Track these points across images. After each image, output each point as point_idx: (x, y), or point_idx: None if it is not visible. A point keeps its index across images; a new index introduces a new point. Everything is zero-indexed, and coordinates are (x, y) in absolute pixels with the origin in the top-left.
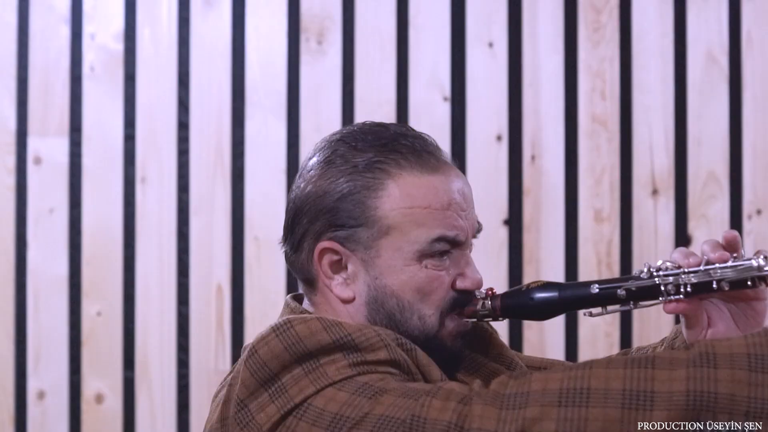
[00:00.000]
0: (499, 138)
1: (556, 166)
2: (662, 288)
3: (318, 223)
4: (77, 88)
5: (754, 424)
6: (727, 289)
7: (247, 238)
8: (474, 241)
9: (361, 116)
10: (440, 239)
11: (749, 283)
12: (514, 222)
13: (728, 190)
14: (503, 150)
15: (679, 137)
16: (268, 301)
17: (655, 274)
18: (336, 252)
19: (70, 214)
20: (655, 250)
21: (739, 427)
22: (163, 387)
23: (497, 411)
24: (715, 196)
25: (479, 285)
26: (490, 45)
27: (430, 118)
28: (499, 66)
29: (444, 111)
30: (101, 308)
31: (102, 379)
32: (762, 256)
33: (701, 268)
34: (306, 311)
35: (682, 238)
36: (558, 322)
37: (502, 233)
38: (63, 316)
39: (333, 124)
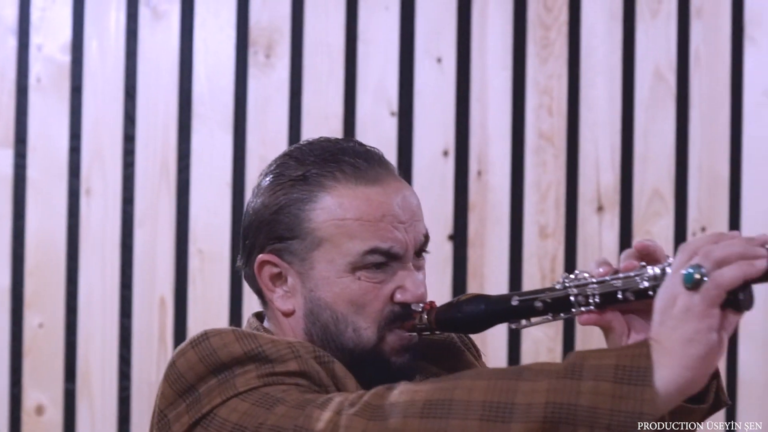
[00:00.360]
0: (445, 153)
1: (502, 181)
2: (572, 299)
3: (260, 236)
4: (23, 99)
5: None
6: (632, 299)
7: (191, 251)
8: (427, 255)
9: (308, 130)
10: (373, 251)
11: (650, 293)
12: (459, 237)
13: (673, 208)
14: (449, 165)
15: (625, 154)
16: (211, 314)
17: (567, 285)
18: (275, 264)
19: (13, 225)
20: None
21: None
22: (104, 399)
23: (365, 422)
24: (660, 213)
25: (419, 298)
26: (439, 60)
27: (377, 133)
28: (447, 81)
29: (391, 125)
30: (43, 320)
31: (43, 390)
32: (667, 264)
33: (606, 278)
34: (262, 327)
35: None
36: (500, 336)
37: (447, 248)
38: (4, 327)
39: (280, 137)
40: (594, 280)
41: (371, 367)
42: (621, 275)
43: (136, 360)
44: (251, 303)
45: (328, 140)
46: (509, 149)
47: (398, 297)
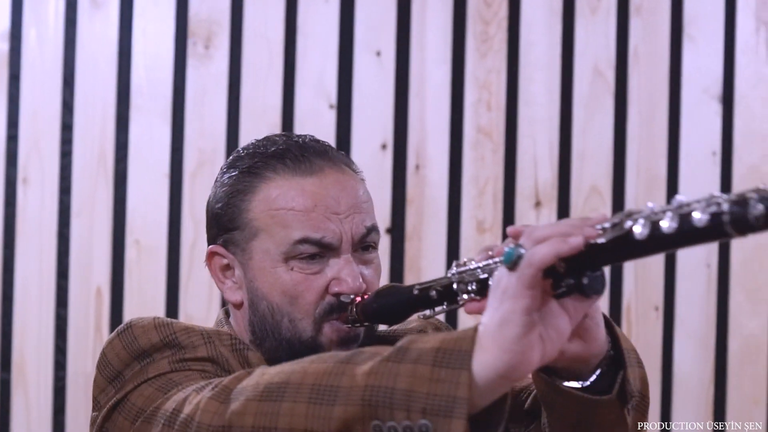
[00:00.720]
0: (384, 147)
1: (440, 175)
2: (455, 287)
3: (212, 228)
4: None
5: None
6: None
7: (127, 242)
8: (367, 244)
9: (246, 122)
10: (304, 240)
11: None
12: (397, 231)
13: (611, 204)
14: (388, 159)
15: (564, 150)
16: (147, 305)
17: (453, 273)
18: (222, 256)
19: None
20: None
21: (414, 425)
22: (39, 389)
23: (217, 405)
24: (597, 209)
25: (355, 290)
26: (378, 54)
27: (315, 125)
28: (386, 75)
29: (330, 118)
30: None
31: None
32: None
33: (490, 263)
34: (226, 322)
35: None
36: None
37: (385, 242)
38: None
39: (218, 129)
40: (480, 265)
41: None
42: (491, 261)
43: (71, 350)
44: (187, 294)
45: (283, 135)
46: (447, 144)
47: (334, 288)
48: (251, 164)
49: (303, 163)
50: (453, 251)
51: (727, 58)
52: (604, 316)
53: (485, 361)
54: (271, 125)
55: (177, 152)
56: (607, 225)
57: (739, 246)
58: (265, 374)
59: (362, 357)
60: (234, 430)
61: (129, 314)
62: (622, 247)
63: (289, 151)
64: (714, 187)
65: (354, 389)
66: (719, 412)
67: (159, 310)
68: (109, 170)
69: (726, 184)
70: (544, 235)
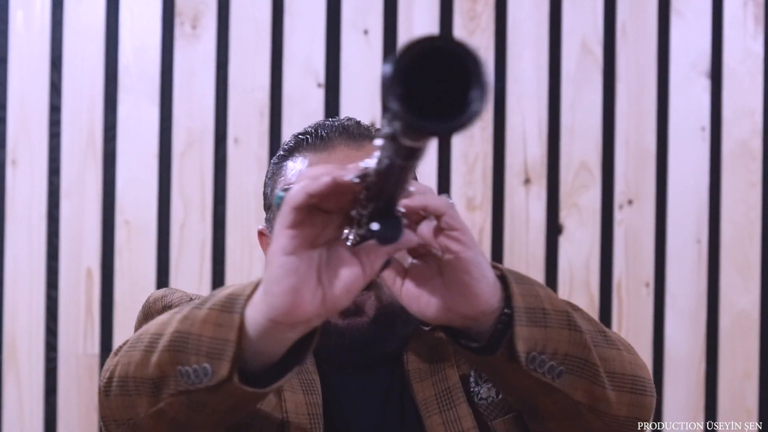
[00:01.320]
0: (373, 125)
1: (428, 153)
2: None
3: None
4: None
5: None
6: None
7: (117, 222)
8: None
9: (234, 102)
10: None
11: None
12: None
13: (600, 180)
14: None
15: (552, 127)
16: (137, 286)
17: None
18: (267, 236)
19: None
20: (526, 239)
21: (200, 369)
22: (30, 370)
23: (113, 358)
24: (586, 185)
25: None
26: (365, 32)
27: (303, 105)
28: (374, 53)
29: (318, 97)
30: None
31: None
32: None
33: None
34: None
35: (553, 226)
36: None
37: None
38: None
39: (206, 109)
40: None
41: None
42: None
43: (62, 331)
44: (178, 273)
45: (328, 119)
46: None
47: None
48: (285, 147)
49: (320, 141)
50: None
51: (715, 33)
52: (509, 273)
53: (255, 305)
54: (260, 105)
55: (165, 132)
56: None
57: (730, 221)
58: (153, 323)
59: (216, 303)
60: (110, 381)
61: (120, 295)
62: (372, 178)
63: (314, 132)
64: (703, 161)
65: (166, 335)
66: (710, 388)
67: (149, 290)
68: (98, 151)
69: (715, 158)
70: (310, 175)
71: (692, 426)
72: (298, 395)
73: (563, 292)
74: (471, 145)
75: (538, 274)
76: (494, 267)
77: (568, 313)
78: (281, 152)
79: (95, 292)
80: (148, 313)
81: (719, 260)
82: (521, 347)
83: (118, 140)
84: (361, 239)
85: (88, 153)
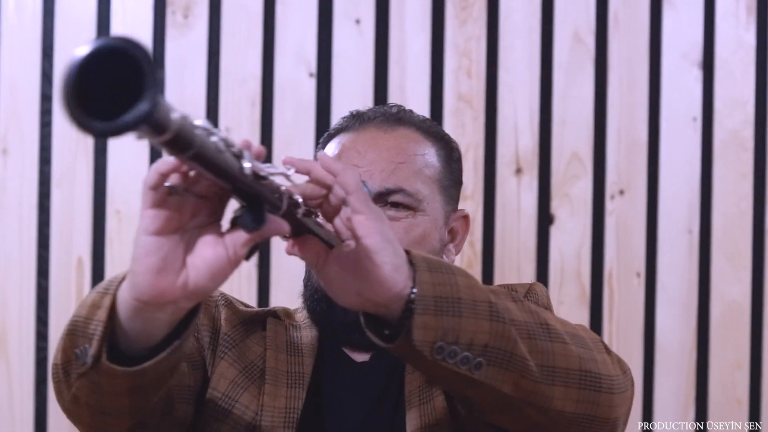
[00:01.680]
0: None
1: None
2: None
3: None
4: None
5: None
6: None
7: (108, 212)
8: (394, 202)
9: (226, 92)
10: None
11: None
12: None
13: (591, 171)
14: None
15: (544, 117)
16: None
17: None
18: None
19: None
20: (517, 229)
21: (82, 350)
22: (21, 360)
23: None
24: (578, 176)
25: None
26: (357, 22)
27: (295, 95)
28: (366, 43)
29: (310, 87)
30: None
31: None
32: None
33: None
34: None
35: (544, 216)
36: None
37: None
38: None
39: (197, 98)
40: None
41: (327, 310)
42: None
43: (53, 321)
44: None
45: (377, 105)
46: (428, 111)
47: None
48: (332, 129)
49: (353, 123)
50: None
51: (707, 23)
52: (421, 261)
53: (124, 286)
54: (251, 94)
55: None
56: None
57: (721, 212)
58: None
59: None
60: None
61: None
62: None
63: (353, 115)
64: (695, 152)
65: (69, 320)
66: (702, 378)
67: None
68: (89, 141)
69: (707, 149)
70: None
71: (683, 415)
72: (281, 388)
73: (554, 281)
74: (463, 134)
75: (529, 264)
76: (408, 253)
77: (491, 303)
78: (327, 134)
79: (86, 282)
80: None
81: (710, 250)
82: (419, 336)
83: None
84: (231, 226)
85: (80, 143)
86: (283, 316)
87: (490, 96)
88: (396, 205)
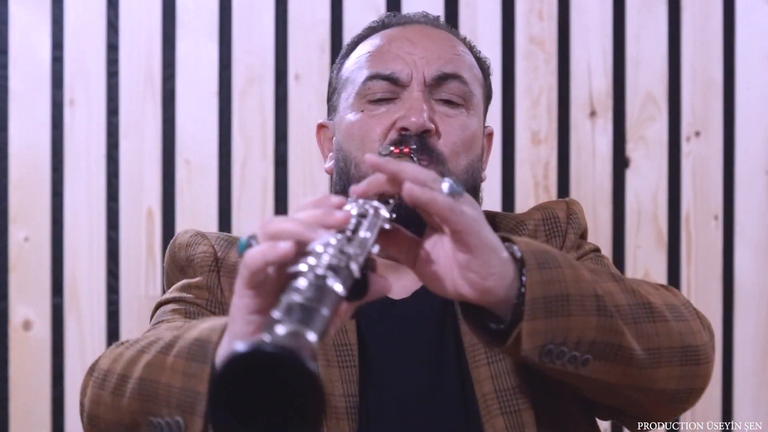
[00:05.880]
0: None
1: (493, 87)
2: None
3: (327, 105)
4: (3, 9)
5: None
6: None
7: (177, 161)
8: (448, 95)
9: (294, 37)
10: (374, 77)
11: None
12: None
13: (666, 112)
14: None
15: (617, 58)
16: (199, 225)
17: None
18: (326, 126)
19: None
20: (593, 172)
21: (172, 422)
22: (92, 313)
23: (84, 383)
24: (653, 117)
25: (417, 126)
26: None
27: None
28: None
29: None
30: (29, 233)
31: (30, 305)
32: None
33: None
34: None
35: (619, 159)
36: None
37: None
38: None
39: (266, 45)
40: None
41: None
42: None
43: (123, 273)
44: (240, 212)
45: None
46: (500, 54)
47: (397, 124)
48: (358, 36)
49: (392, 21)
50: (508, 163)
51: None
52: (530, 255)
53: (222, 356)
54: (320, 39)
55: (225, 70)
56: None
57: None
58: (119, 359)
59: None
60: (82, 413)
61: None
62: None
63: (387, 17)
64: None
65: (134, 381)
66: None
67: (211, 230)
68: (156, 90)
69: None
70: (274, 232)
71: (764, 357)
72: (333, 369)
73: (631, 225)
74: (535, 78)
75: (605, 208)
76: (509, 240)
77: (598, 296)
78: (353, 40)
79: (156, 233)
80: (173, 260)
81: None
82: (528, 344)
83: (176, 78)
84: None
85: (147, 92)
86: None
87: (562, 38)
88: (448, 102)
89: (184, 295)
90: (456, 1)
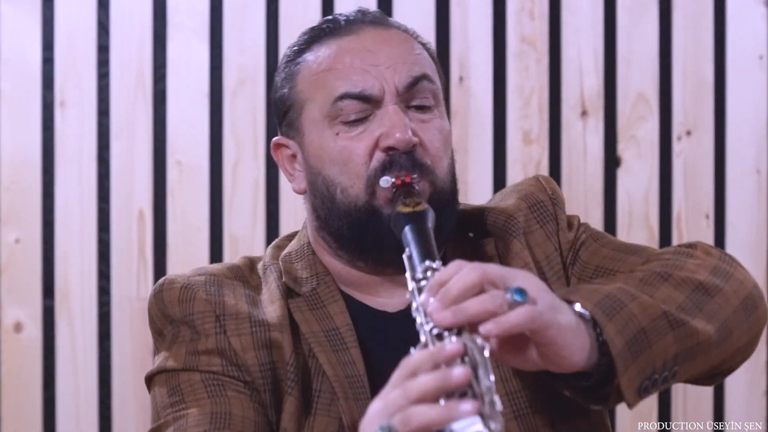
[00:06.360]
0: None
1: (484, 87)
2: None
3: (276, 119)
4: None
5: None
6: None
7: (169, 163)
8: (420, 99)
9: (286, 37)
10: (343, 96)
11: None
12: None
13: (658, 111)
14: None
15: (609, 58)
16: (191, 227)
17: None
18: (285, 145)
19: None
20: (584, 172)
21: None
22: (83, 315)
23: None
24: (644, 117)
25: (404, 142)
26: None
27: None
28: None
29: None
30: (19, 235)
31: (21, 307)
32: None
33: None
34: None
35: (611, 159)
36: None
37: None
38: None
39: (257, 45)
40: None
41: (371, 228)
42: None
43: (115, 274)
44: (231, 213)
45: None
46: (491, 54)
47: (382, 143)
48: (298, 44)
49: (341, 28)
50: (499, 163)
51: None
52: (598, 311)
53: None
54: None
55: (216, 71)
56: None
57: None
58: None
59: None
60: None
61: (172, 236)
62: None
63: (329, 21)
64: (762, 91)
65: None
66: None
67: (203, 231)
68: (147, 91)
69: None
70: (420, 425)
71: (756, 357)
72: (350, 401)
73: (622, 225)
74: (526, 77)
75: (596, 208)
76: (576, 296)
77: (665, 313)
78: (292, 51)
79: (148, 234)
80: (163, 314)
81: None
82: (630, 394)
83: (168, 79)
84: None
85: (138, 93)
86: (292, 283)
87: (553, 37)
88: (420, 108)
89: (196, 364)
90: (447, 1)
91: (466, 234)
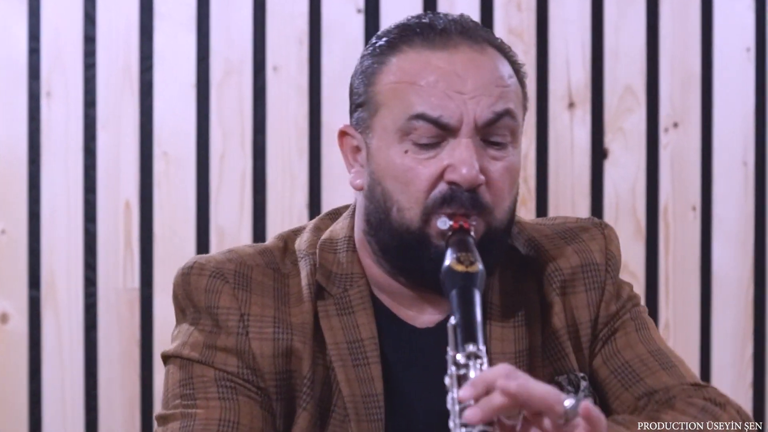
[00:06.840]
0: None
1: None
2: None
3: (350, 105)
4: None
5: None
6: None
7: (155, 154)
8: (497, 136)
9: (272, 30)
10: (420, 116)
11: None
12: None
13: (645, 103)
14: None
15: (596, 50)
16: (177, 218)
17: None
18: (352, 135)
19: None
20: (571, 164)
21: None
22: (69, 306)
23: None
24: (631, 109)
25: (468, 180)
26: None
27: (343, 31)
28: None
29: (358, 23)
30: (5, 226)
31: (7, 299)
32: None
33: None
34: (350, 215)
35: (598, 151)
36: None
37: None
38: None
39: (244, 37)
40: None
41: (418, 254)
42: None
43: (101, 266)
44: (218, 205)
45: (432, 13)
46: None
47: (448, 176)
48: (389, 37)
49: (437, 37)
50: None
51: None
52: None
53: None
54: (298, 32)
55: (203, 62)
56: None
57: None
58: None
59: None
60: None
61: (159, 227)
62: None
63: (428, 25)
64: (749, 83)
65: None
66: (759, 311)
67: (189, 222)
68: (134, 82)
69: (761, 79)
70: None
71: (741, 350)
72: (362, 423)
73: (609, 217)
74: None
75: (583, 200)
76: None
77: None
78: (381, 42)
79: (134, 225)
80: (188, 297)
81: (766, 182)
82: None
83: (154, 70)
84: None
85: (125, 84)
86: (324, 280)
87: (540, 29)
88: (497, 142)
89: (212, 359)
90: None
91: (516, 250)
